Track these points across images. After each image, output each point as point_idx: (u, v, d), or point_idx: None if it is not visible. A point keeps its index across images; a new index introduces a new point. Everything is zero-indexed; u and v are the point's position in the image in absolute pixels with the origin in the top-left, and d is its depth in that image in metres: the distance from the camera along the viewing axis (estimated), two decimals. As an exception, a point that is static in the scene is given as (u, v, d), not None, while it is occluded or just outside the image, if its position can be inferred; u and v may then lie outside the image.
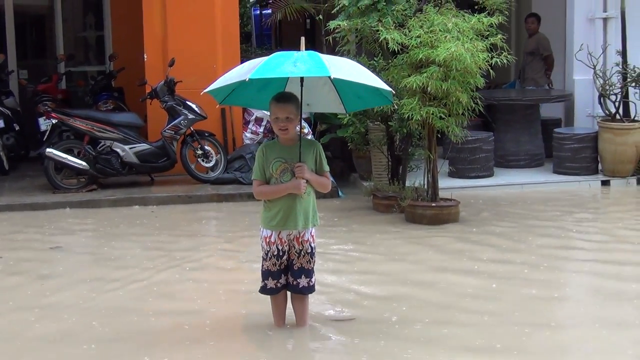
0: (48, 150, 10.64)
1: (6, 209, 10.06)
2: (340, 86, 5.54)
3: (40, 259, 8.10)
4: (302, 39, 5.50)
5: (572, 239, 8.39)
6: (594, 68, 11.26)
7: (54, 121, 11.01)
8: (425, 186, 9.21)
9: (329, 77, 5.08)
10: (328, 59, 5.25)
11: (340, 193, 10.53)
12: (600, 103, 11.35)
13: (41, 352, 5.58)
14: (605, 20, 11.66)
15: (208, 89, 5.66)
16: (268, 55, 5.46)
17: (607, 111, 11.22)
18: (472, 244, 8.16)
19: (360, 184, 10.82)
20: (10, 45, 14.22)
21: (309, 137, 10.90)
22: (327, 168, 5.61)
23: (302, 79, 5.33)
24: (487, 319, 5.98)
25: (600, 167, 11.12)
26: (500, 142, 11.58)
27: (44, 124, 11.50)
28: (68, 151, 10.69)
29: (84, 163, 10.64)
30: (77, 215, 9.82)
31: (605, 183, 10.88)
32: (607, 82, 11.20)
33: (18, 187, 11.13)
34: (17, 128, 12.58)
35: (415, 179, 9.59)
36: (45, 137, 11.29)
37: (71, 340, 5.75)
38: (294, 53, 5.23)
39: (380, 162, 10.25)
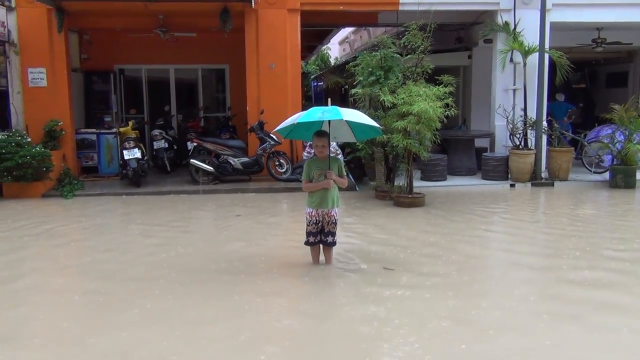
0: (191, 160, 10.84)
1: (167, 193, 10.22)
2: (352, 126, 5.58)
3: (231, 222, 8.06)
4: (329, 99, 5.59)
5: (490, 218, 8.28)
6: (507, 118, 11.14)
7: (195, 144, 11.20)
8: (405, 185, 9.19)
9: (342, 119, 5.18)
10: (343, 110, 5.31)
11: (357, 188, 10.54)
12: (510, 139, 11.21)
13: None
14: (514, 90, 11.49)
15: (276, 129, 5.71)
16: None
17: (514, 143, 11.09)
18: (430, 218, 8.10)
19: (368, 183, 10.81)
20: (173, 100, 14.44)
21: (340, 156, 10.90)
22: (344, 173, 5.66)
23: (329, 121, 5.39)
24: (437, 260, 5.94)
25: (509, 176, 10.96)
26: (451, 160, 11.48)
27: (190, 145, 11.67)
28: (203, 161, 10.84)
29: (211, 168, 10.79)
30: (208, 199, 9.84)
31: (512, 185, 10.72)
32: (514, 126, 11.08)
33: (175, 181, 11.30)
34: (175, 147, 12.78)
35: (400, 181, 9.57)
36: (190, 153, 11.46)
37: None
38: (323, 107, 5.31)
39: (380, 170, 10.24)
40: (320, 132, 5.49)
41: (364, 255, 6.16)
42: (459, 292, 5.00)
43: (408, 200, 8.86)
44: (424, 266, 5.75)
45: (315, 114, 5.20)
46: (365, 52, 9.72)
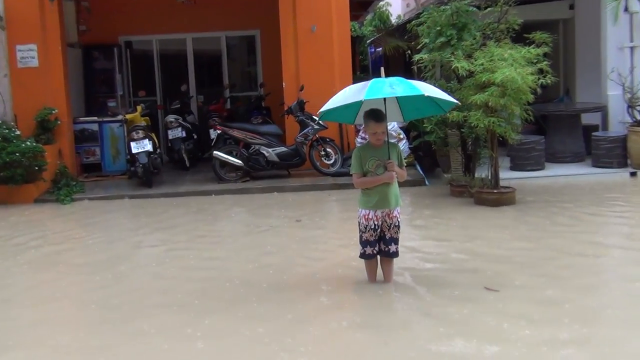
0: (215, 152, 10.90)
1: (186, 194, 10.28)
2: (402, 102, 5.51)
3: (289, 225, 8.22)
4: (382, 69, 5.52)
5: (607, 219, 7.89)
6: (623, 85, 10.73)
7: (219, 132, 11.24)
8: (490, 177, 8.93)
9: (422, 94, 5.11)
10: (415, 82, 5.22)
11: (426, 182, 10.34)
12: (628, 112, 10.79)
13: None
14: (632, 48, 11.06)
15: (324, 107, 5.53)
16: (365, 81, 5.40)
17: (634, 118, 10.66)
18: (525, 220, 7.80)
19: (442, 175, 10.57)
20: (191, 78, 14.61)
21: (403, 141, 10.73)
22: (404, 163, 5.60)
23: (385, 99, 5.29)
24: (549, 279, 5.67)
25: (629, 162, 10.51)
26: (550, 143, 11.12)
27: (213, 133, 11.74)
28: (229, 153, 10.88)
29: (240, 161, 10.80)
30: (237, 201, 9.83)
31: (633, 174, 10.24)
32: (634, 96, 10.67)
33: (194, 179, 11.36)
34: (195, 137, 12.86)
35: (482, 172, 9.29)
36: (213, 143, 11.52)
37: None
38: (385, 79, 5.19)
39: (456, 159, 10.00)
40: (377, 115, 5.35)
41: (441, 271, 6.02)
42: (589, 327, 4.64)
43: (493, 196, 8.61)
44: (535, 290, 5.39)
45: (382, 87, 5.11)
46: (432, 6, 9.48)
